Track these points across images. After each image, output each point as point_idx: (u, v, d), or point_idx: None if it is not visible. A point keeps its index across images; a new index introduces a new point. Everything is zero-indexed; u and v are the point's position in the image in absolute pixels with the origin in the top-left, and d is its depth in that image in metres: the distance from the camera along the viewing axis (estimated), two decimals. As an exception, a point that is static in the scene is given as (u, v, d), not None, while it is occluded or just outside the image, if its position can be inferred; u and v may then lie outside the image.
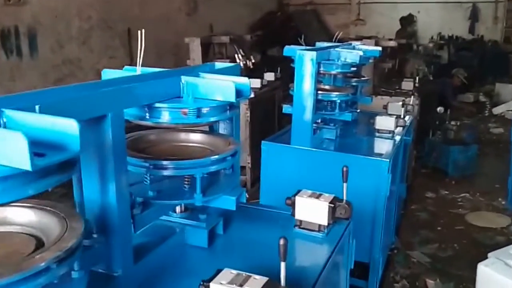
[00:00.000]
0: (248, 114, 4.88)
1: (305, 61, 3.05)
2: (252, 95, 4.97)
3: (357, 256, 2.00)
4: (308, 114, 3.12)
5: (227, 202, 1.71)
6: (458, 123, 6.01)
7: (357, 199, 3.15)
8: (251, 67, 5.38)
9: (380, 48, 4.03)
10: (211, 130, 1.95)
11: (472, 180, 5.80)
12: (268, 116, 5.10)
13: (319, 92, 3.30)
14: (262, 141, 3.27)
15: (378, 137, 3.65)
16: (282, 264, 1.20)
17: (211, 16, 9.40)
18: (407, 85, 5.89)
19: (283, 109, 3.39)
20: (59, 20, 6.40)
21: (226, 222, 1.83)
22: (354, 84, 4.07)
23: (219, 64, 2.12)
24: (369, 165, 3.04)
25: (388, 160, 2.99)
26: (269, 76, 5.39)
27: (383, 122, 3.67)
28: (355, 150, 3.24)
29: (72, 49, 6.73)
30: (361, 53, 3.37)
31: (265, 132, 4.10)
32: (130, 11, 7.56)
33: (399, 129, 3.72)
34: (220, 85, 1.64)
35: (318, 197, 1.93)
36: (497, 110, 9.51)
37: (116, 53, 7.74)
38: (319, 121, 3.51)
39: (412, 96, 4.86)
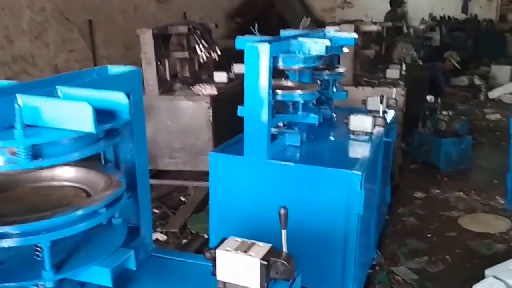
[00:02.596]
0: (210, 113, 4.33)
1: (257, 55, 2.49)
2: (215, 92, 4.41)
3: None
4: (263, 118, 2.57)
5: (100, 275, 1.18)
6: (451, 113, 5.45)
7: (324, 220, 2.65)
8: (216, 59, 4.81)
9: (355, 35, 3.47)
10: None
11: (466, 176, 5.27)
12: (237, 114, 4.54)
13: (278, 91, 2.74)
14: (210, 152, 2.72)
15: (353, 139, 3.11)
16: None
17: (184, 3, 8.77)
18: (393, 73, 5.33)
19: (238, 111, 2.82)
20: (7, 13, 5.79)
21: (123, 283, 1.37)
22: (326, 77, 3.52)
23: (114, 68, 1.59)
24: (337, 179, 2.51)
25: (360, 173, 2.46)
26: (239, 68, 4.82)
27: (358, 122, 3.13)
28: (321, 160, 2.70)
29: (23, 44, 6.12)
30: (327, 42, 2.81)
31: (233, 133, 3.56)
32: (90, 1, 6.94)
33: (378, 129, 3.18)
34: (69, 109, 1.09)
35: (248, 249, 1.36)
36: (493, 94, 8.95)
37: (76, 46, 7.13)
38: (282, 124, 2.97)
39: (395, 88, 4.31)
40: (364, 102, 3.68)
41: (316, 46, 2.79)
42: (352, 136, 3.13)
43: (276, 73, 2.89)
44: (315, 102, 3.43)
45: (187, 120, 4.40)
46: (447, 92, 8.11)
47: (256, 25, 3.23)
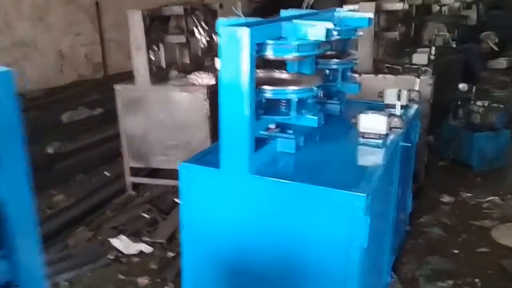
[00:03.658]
0: (207, 106, 3.84)
1: (235, 41, 1.97)
2: (213, 81, 3.90)
3: None
4: (243, 121, 2.05)
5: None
6: (486, 103, 4.78)
7: (319, 253, 2.14)
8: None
9: (370, 15, 2.88)
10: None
11: (503, 176, 4.62)
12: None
13: (265, 87, 2.22)
14: (182, 162, 2.23)
15: (362, 145, 2.56)
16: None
17: (199, -20, 8.21)
18: (420, 57, 4.66)
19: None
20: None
21: None
22: (334, 67, 2.97)
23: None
24: (335, 201, 1.98)
25: (365, 194, 1.93)
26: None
27: (370, 123, 2.58)
28: (318, 175, 2.17)
29: (24, 29, 5.76)
30: (329, 25, 2.25)
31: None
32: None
33: (395, 131, 2.62)
34: None
35: None
36: (535, 78, 8.10)
37: (83, 30, 6.74)
38: (274, 126, 2.45)
39: (418, 78, 3.69)
40: (380, 94, 3.12)
41: (314, 30, 2.23)
42: (361, 140, 2.58)
43: (274, 62, 2.38)
44: (321, 96, 2.90)
45: (182, 113, 3.92)
46: (483, 78, 7.35)
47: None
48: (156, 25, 4.13)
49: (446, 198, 4.18)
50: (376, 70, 4.24)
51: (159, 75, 4.10)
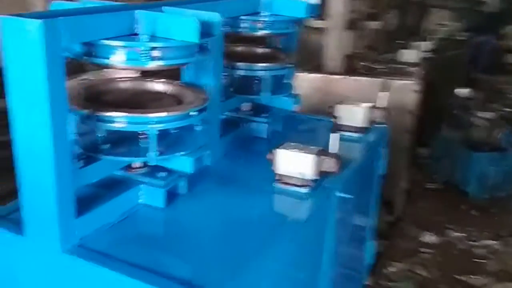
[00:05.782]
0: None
1: (22, 39, 1.10)
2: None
3: None
4: (46, 166, 1.20)
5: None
6: (490, 115, 3.81)
7: None
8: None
9: (311, 1, 1.96)
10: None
11: (507, 211, 3.68)
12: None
13: (107, 113, 1.34)
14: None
15: (279, 193, 1.69)
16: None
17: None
18: (409, 54, 3.71)
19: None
20: None
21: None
22: (253, 74, 2.04)
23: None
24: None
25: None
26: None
27: (291, 162, 1.69)
28: (178, 257, 1.29)
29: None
30: (215, 17, 1.36)
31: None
32: None
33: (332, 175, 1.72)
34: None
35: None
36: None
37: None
38: (139, 164, 1.55)
39: (384, 92, 2.72)
40: (331, 111, 2.22)
41: (181, 26, 1.34)
42: (278, 187, 1.69)
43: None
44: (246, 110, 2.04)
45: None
46: (494, 81, 6.18)
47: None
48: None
49: (428, 238, 3.27)
50: (348, 70, 3.28)
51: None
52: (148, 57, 1.34)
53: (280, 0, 2.00)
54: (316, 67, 3.35)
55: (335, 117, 2.12)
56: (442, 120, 4.08)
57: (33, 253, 1.33)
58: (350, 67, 3.35)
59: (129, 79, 1.64)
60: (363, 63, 3.44)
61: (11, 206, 1.48)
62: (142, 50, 1.33)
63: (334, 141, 1.75)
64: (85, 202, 1.35)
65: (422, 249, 3.14)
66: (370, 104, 2.20)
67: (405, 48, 4.00)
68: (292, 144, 1.74)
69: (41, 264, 1.33)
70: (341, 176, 1.77)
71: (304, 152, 1.67)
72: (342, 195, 1.78)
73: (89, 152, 1.37)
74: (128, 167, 1.54)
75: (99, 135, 1.43)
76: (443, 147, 3.97)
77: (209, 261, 1.33)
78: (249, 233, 1.49)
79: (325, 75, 3.19)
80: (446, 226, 3.39)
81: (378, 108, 2.22)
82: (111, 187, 1.48)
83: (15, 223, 1.36)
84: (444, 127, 4.00)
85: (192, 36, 1.33)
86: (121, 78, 1.65)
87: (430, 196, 3.80)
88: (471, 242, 3.23)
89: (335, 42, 3.17)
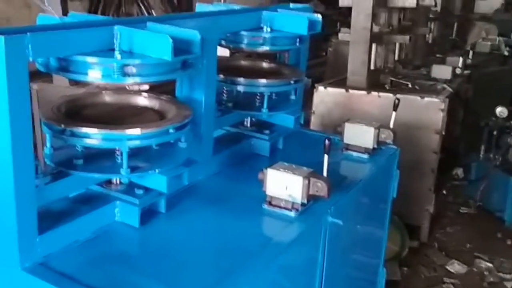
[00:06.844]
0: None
1: None
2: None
3: None
4: (7, 184, 1.18)
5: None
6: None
7: None
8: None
9: (313, 17, 1.89)
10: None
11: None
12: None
13: (78, 128, 1.33)
14: None
15: (267, 215, 1.63)
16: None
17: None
18: (442, 70, 3.50)
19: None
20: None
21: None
22: (253, 90, 1.98)
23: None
24: None
25: None
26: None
27: (279, 185, 1.61)
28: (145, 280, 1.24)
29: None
30: (195, 34, 1.32)
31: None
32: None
33: (321, 199, 1.62)
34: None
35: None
36: None
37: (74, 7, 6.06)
38: (115, 180, 1.52)
39: (394, 111, 2.55)
40: (339, 130, 2.13)
41: (156, 44, 1.31)
42: (266, 209, 1.61)
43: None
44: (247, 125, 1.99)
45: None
46: None
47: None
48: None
49: (454, 267, 3.04)
50: (372, 85, 3.14)
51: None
52: (121, 74, 1.31)
53: (282, 16, 1.93)
54: (340, 81, 3.24)
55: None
56: (480, 140, 3.83)
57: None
58: (376, 82, 3.21)
59: (118, 92, 1.63)
60: (392, 79, 3.29)
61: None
62: (115, 67, 1.30)
63: (326, 164, 1.64)
64: (54, 218, 1.34)
65: (446, 279, 2.93)
66: (377, 124, 2.07)
67: (443, 63, 3.81)
68: (285, 164, 1.65)
69: (2, 280, 1.31)
70: (335, 200, 1.66)
71: (293, 174, 1.59)
72: (335, 220, 1.67)
73: (61, 167, 1.36)
74: (108, 182, 1.51)
75: (77, 150, 1.42)
76: (480, 170, 3.72)
77: (182, 284, 1.27)
78: (226, 255, 1.42)
79: (346, 89, 3.07)
80: (476, 254, 3.15)
81: (387, 128, 2.09)
82: (87, 202, 1.45)
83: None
84: (482, 148, 3.75)
85: (165, 53, 1.29)
86: (110, 91, 1.64)
87: (462, 221, 3.56)
88: (502, 275, 2.98)
89: (359, 56, 3.05)
